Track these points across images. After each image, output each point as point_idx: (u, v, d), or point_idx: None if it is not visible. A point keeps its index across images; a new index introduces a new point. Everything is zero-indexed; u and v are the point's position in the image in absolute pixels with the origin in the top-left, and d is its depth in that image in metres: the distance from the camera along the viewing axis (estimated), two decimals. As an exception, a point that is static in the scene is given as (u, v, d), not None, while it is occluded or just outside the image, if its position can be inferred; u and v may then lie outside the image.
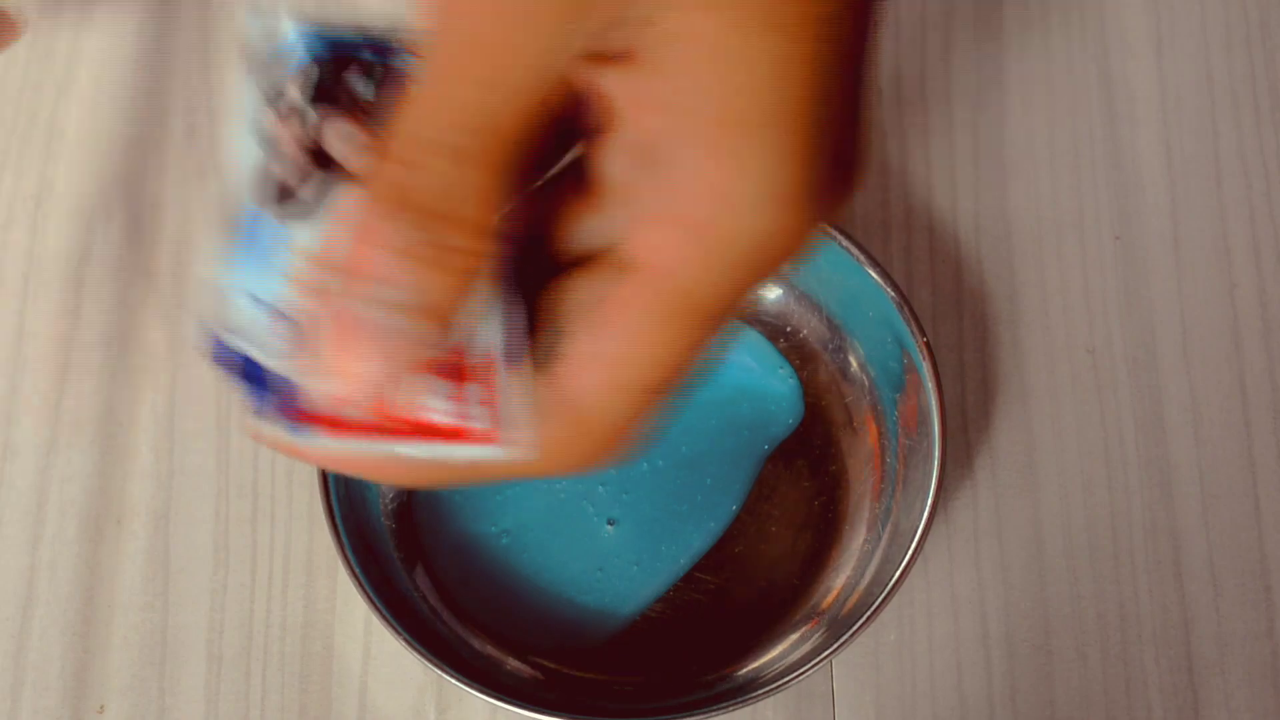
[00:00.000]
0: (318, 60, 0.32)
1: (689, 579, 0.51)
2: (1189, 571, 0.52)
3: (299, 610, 0.51)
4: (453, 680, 0.46)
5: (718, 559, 0.51)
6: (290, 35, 0.32)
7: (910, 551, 0.47)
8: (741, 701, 0.46)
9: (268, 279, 0.31)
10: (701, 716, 0.47)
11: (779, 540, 0.51)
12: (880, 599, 0.46)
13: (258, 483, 0.53)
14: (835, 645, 0.46)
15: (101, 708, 0.50)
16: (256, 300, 0.31)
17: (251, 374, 0.31)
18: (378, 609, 0.46)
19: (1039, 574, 0.52)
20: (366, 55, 0.32)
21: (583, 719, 0.48)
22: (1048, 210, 0.57)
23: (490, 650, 0.50)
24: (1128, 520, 0.52)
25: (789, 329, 0.54)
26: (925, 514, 0.47)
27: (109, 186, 0.57)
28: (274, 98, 0.32)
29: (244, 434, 0.54)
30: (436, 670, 0.46)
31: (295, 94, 0.32)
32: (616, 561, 0.51)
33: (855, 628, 0.46)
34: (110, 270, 0.56)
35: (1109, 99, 0.59)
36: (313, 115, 0.31)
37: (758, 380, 0.53)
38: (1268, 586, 0.51)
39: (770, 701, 0.50)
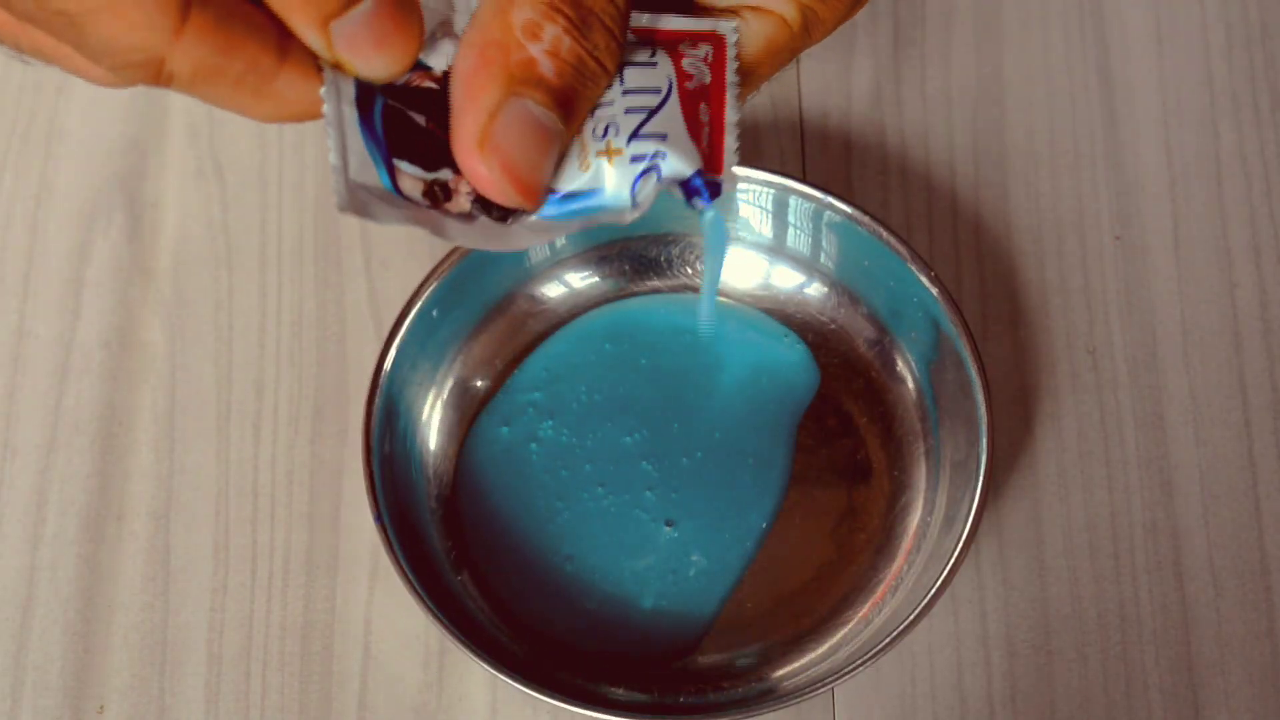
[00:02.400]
0: None
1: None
2: (1189, 571, 0.52)
3: (299, 610, 0.51)
4: (517, 685, 0.45)
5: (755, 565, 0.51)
6: None
7: (939, 581, 0.47)
8: (745, 712, 0.46)
9: None
10: (700, 717, 0.47)
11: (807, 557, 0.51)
12: (905, 623, 0.46)
13: (258, 483, 0.53)
14: (843, 673, 0.46)
15: (101, 708, 0.50)
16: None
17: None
18: (438, 619, 0.46)
19: (1039, 574, 0.52)
20: None
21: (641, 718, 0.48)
22: (1048, 210, 0.57)
23: (557, 669, 0.50)
24: (1128, 520, 0.52)
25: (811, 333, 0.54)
26: (961, 541, 0.47)
27: (109, 186, 0.57)
28: None
29: (244, 434, 0.54)
30: (490, 669, 0.46)
31: None
32: (685, 560, 0.51)
33: (871, 653, 0.46)
34: (110, 270, 0.56)
35: (1109, 99, 0.59)
36: None
37: (768, 352, 0.53)
38: (1268, 586, 0.51)
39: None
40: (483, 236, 0.35)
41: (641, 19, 0.39)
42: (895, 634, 0.46)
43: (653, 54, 0.38)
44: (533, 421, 0.53)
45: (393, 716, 0.50)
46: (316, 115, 0.33)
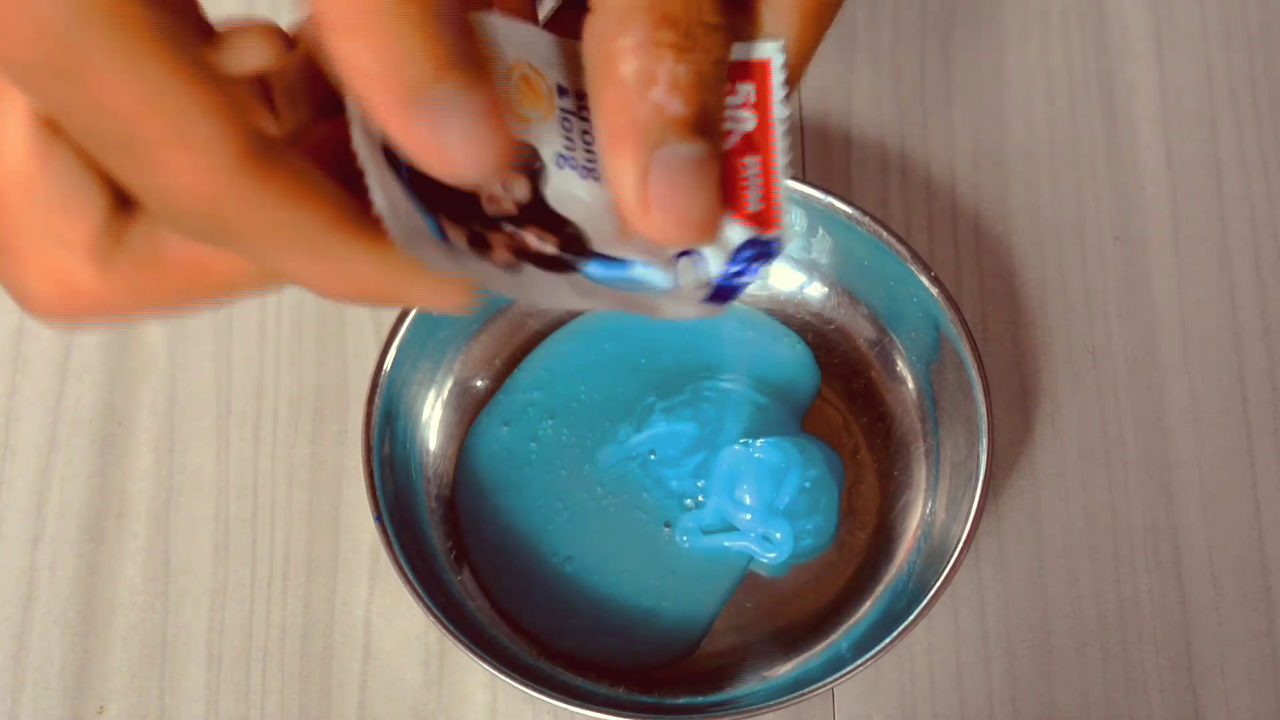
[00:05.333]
0: None
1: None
2: (1189, 571, 0.52)
3: (299, 610, 0.51)
4: (511, 681, 0.45)
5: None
6: None
7: (940, 582, 0.47)
8: (745, 712, 0.46)
9: None
10: (700, 716, 0.47)
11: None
12: (906, 623, 0.46)
13: (258, 483, 0.53)
14: (843, 673, 0.46)
15: (101, 708, 0.50)
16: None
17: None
18: (437, 617, 0.46)
19: (1039, 574, 0.52)
20: None
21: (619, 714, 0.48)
22: (1048, 210, 0.57)
23: (546, 662, 0.50)
24: (1128, 520, 0.52)
25: (813, 331, 0.54)
26: (961, 541, 0.47)
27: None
28: None
29: (244, 434, 0.54)
30: (488, 666, 0.46)
31: None
32: (685, 561, 0.51)
33: (871, 653, 0.46)
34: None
35: (1109, 99, 0.59)
36: None
37: (770, 353, 0.53)
38: (1268, 586, 0.51)
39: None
40: (534, 288, 0.32)
41: None
42: (895, 634, 0.46)
43: None
44: (533, 421, 0.53)
45: (393, 716, 0.50)
46: (389, 295, 0.31)
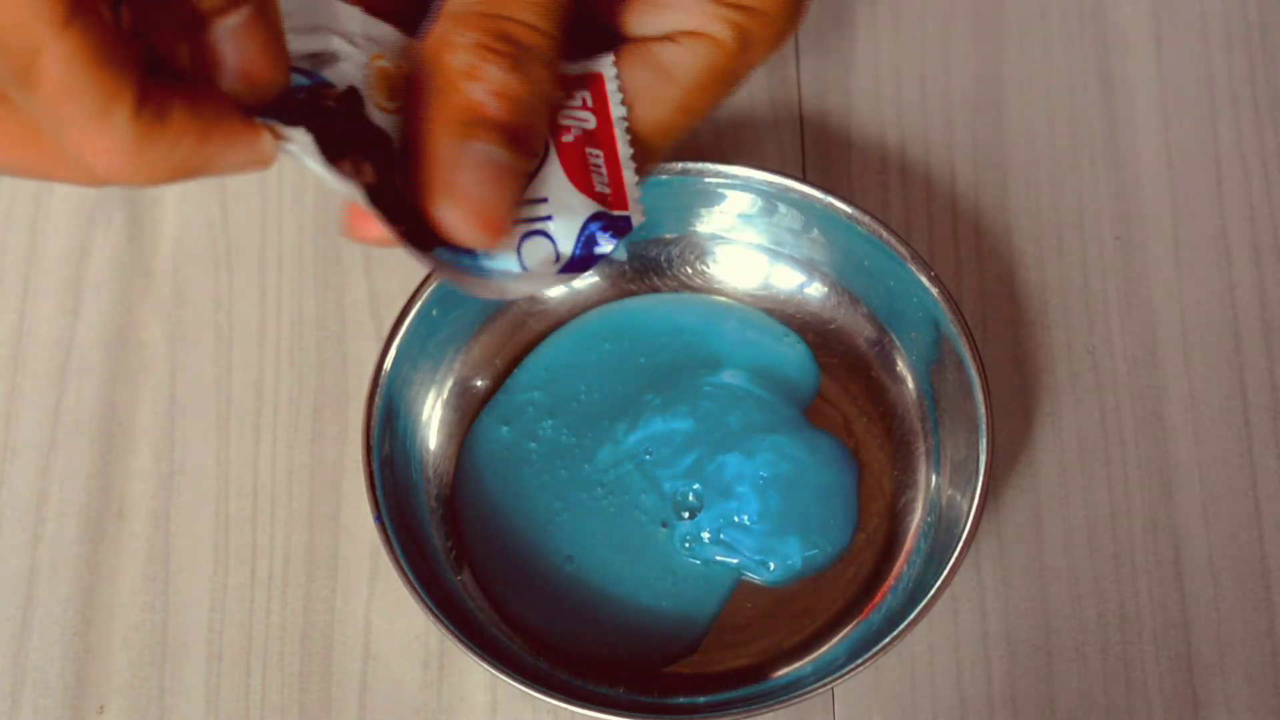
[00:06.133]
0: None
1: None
2: (1189, 571, 0.52)
3: (299, 610, 0.51)
4: (509, 680, 0.45)
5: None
6: None
7: (941, 579, 0.47)
8: (745, 712, 0.46)
9: None
10: (700, 716, 0.47)
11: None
12: (906, 623, 0.46)
13: (258, 483, 0.53)
14: (843, 673, 0.46)
15: (101, 708, 0.50)
16: None
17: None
18: (436, 615, 0.46)
19: (1039, 574, 0.52)
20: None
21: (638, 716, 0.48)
22: (1048, 210, 0.57)
23: (549, 665, 0.50)
24: (1128, 520, 0.52)
25: (814, 332, 0.54)
26: (960, 544, 0.47)
27: (109, 186, 0.57)
28: None
29: (244, 434, 0.54)
30: (489, 667, 0.46)
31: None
32: (685, 561, 0.51)
33: (871, 653, 0.46)
34: (110, 270, 0.56)
35: (1109, 99, 0.59)
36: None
37: (771, 353, 0.53)
38: (1268, 586, 0.51)
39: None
40: (420, 259, 0.36)
41: None
42: (895, 634, 0.46)
43: None
44: (532, 421, 0.53)
45: (393, 716, 0.50)
46: (185, 169, 0.33)
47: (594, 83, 0.39)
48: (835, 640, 0.49)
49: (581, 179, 0.38)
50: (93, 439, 0.54)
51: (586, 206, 0.38)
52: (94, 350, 0.55)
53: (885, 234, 0.50)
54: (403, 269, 0.56)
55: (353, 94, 0.36)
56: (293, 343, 0.55)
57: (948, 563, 0.46)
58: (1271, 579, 0.52)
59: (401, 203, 0.36)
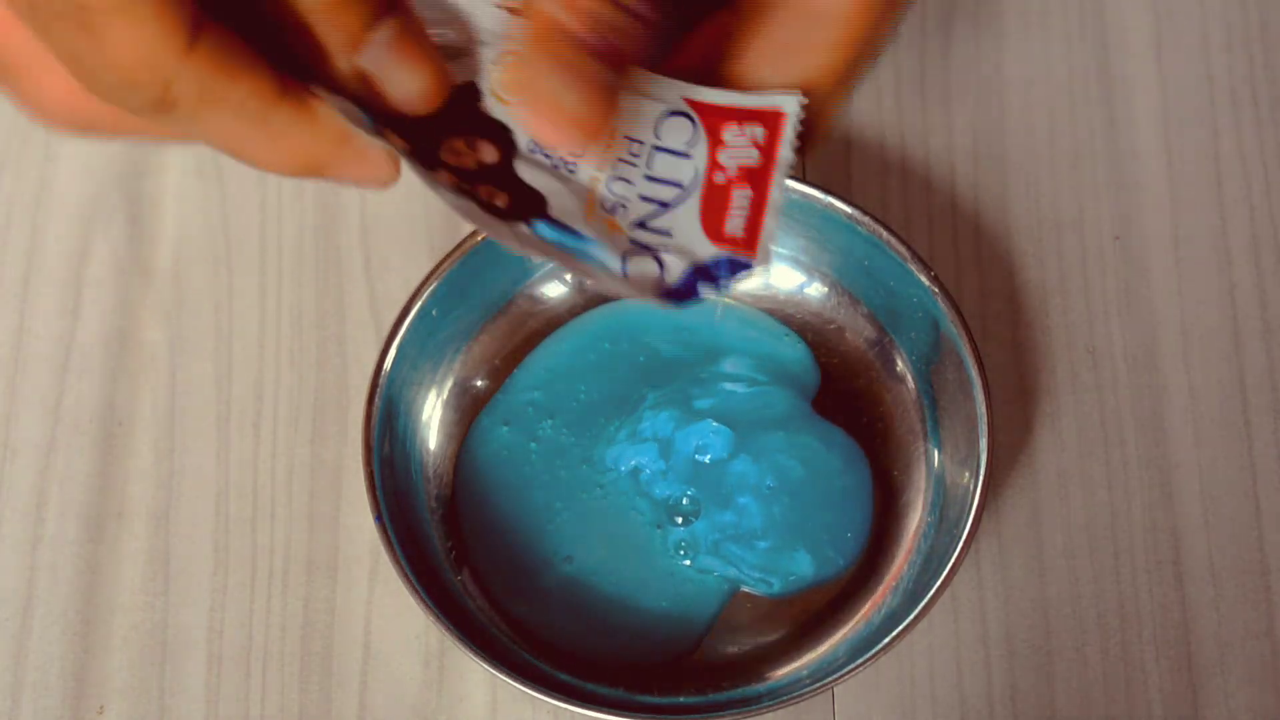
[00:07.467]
0: None
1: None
2: (1189, 571, 0.52)
3: (299, 610, 0.51)
4: (511, 681, 0.45)
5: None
6: None
7: (939, 583, 0.47)
8: (745, 712, 0.46)
9: None
10: (700, 716, 0.47)
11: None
12: (905, 623, 0.46)
13: (258, 483, 0.53)
14: (843, 673, 0.46)
15: (101, 708, 0.50)
16: None
17: None
18: (434, 614, 0.46)
19: (1039, 574, 0.52)
20: None
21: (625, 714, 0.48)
22: (1048, 210, 0.57)
23: (550, 665, 0.49)
24: (1128, 520, 0.52)
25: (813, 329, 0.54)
26: (960, 545, 0.47)
27: (109, 186, 0.57)
28: None
29: (244, 434, 0.54)
30: (488, 667, 0.46)
31: None
32: (684, 561, 0.51)
33: (871, 653, 0.46)
34: (110, 270, 0.56)
35: (1109, 99, 0.59)
36: None
37: (772, 352, 0.53)
38: (1268, 586, 0.51)
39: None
40: (474, 216, 0.36)
41: (697, 91, 0.37)
42: (895, 634, 0.46)
43: (690, 139, 0.37)
44: (532, 421, 0.53)
45: (393, 716, 0.50)
46: (314, 165, 0.34)
47: (772, 120, 0.37)
48: (835, 640, 0.49)
49: (714, 222, 0.37)
50: (93, 439, 0.54)
51: (707, 251, 0.37)
52: (94, 350, 0.55)
53: (885, 234, 0.50)
54: (403, 269, 0.56)
55: (469, 89, 0.36)
56: (293, 343, 0.55)
57: (948, 563, 0.46)
58: (1271, 579, 0.52)
59: (520, 189, 0.36)
